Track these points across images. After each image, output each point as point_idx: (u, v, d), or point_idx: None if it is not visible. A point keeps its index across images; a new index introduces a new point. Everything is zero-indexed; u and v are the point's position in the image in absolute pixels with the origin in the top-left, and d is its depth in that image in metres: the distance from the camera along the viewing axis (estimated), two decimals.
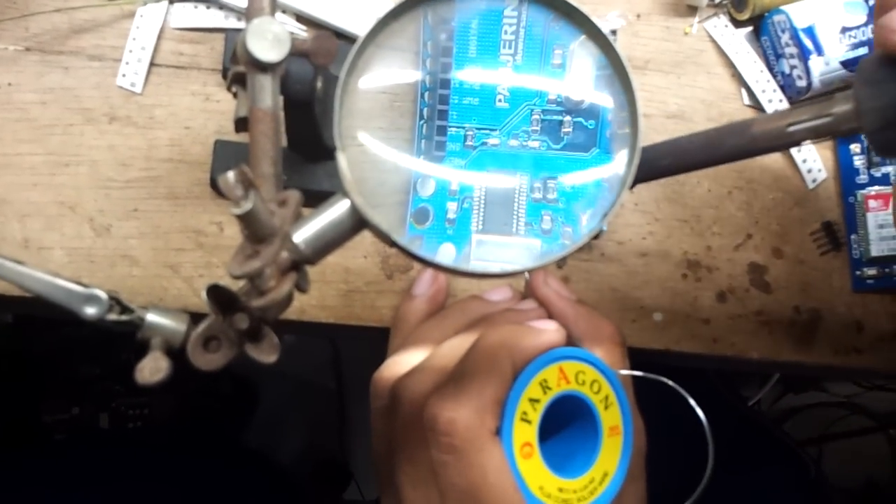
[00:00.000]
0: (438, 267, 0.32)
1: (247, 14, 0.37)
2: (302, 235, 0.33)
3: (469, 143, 0.49)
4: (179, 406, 1.06)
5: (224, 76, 0.51)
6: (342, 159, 0.32)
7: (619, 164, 0.45)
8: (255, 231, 0.32)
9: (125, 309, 0.36)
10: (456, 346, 0.40)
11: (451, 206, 0.49)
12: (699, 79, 0.55)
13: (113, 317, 0.36)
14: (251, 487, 0.83)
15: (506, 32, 0.41)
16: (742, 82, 0.55)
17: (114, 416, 1.03)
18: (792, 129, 0.34)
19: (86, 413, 1.02)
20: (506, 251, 0.46)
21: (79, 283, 0.35)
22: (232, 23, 0.52)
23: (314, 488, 1.25)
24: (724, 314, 0.54)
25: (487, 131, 0.48)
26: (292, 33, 0.37)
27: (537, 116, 0.47)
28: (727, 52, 0.55)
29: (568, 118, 0.47)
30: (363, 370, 0.47)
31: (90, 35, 0.51)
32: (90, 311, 0.34)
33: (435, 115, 0.44)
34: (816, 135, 0.34)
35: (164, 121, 0.51)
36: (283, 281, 0.33)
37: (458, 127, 0.47)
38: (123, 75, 0.51)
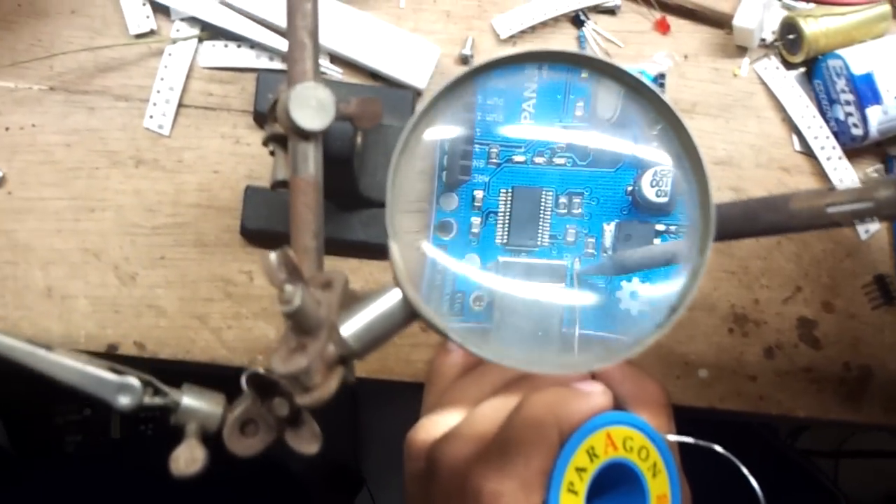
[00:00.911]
0: (495, 361, 0.30)
1: (289, 79, 0.35)
2: (350, 328, 0.31)
3: (493, 160, 0.47)
4: None
5: (255, 119, 0.49)
6: (394, 248, 0.30)
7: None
8: (300, 323, 0.30)
9: (159, 391, 0.34)
10: (496, 409, 0.38)
11: (475, 221, 0.47)
12: (748, 123, 0.53)
13: (147, 401, 0.34)
14: (262, 492, 0.82)
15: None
16: (793, 127, 0.53)
17: (126, 418, 1.01)
18: (832, 210, 0.32)
19: (98, 415, 1.01)
20: (532, 273, 0.45)
21: (112, 368, 0.33)
22: (263, 62, 0.50)
23: (326, 494, 1.24)
24: (771, 371, 0.52)
25: (513, 148, 0.46)
26: (337, 99, 0.35)
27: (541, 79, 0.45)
28: (778, 96, 0.53)
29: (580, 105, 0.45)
30: None
31: (117, 74, 0.49)
32: (123, 400, 0.32)
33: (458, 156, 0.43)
34: (856, 218, 0.32)
35: (192, 164, 0.49)
36: (330, 377, 0.31)
37: (482, 144, 0.45)
38: (151, 116, 0.49)
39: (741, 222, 0.39)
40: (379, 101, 0.37)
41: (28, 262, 0.48)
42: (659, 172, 0.45)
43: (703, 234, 0.31)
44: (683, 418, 0.39)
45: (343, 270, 0.33)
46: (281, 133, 0.38)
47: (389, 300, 0.31)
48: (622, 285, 0.47)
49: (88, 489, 0.76)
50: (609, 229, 0.47)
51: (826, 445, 1.23)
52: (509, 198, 0.46)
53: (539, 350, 0.31)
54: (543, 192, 0.47)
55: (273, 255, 0.32)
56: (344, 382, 0.32)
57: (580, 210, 0.47)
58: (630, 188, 0.46)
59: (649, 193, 0.45)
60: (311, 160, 0.35)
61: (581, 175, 0.46)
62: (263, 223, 0.48)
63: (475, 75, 0.31)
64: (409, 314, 0.31)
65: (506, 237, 0.46)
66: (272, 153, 0.40)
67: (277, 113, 0.36)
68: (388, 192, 0.30)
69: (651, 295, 0.37)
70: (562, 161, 0.47)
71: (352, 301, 0.34)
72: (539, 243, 0.47)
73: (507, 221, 0.46)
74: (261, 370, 0.32)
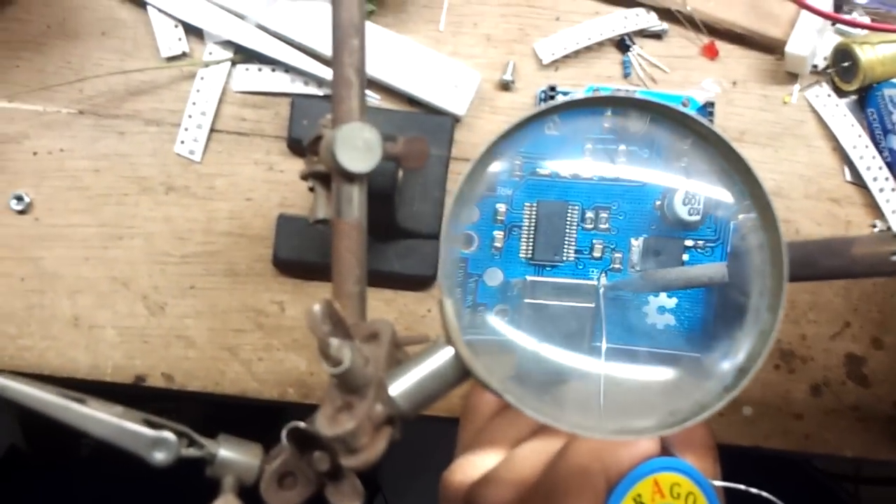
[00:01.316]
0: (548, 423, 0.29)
1: (334, 118, 0.33)
2: (399, 388, 0.29)
3: (517, 172, 0.45)
4: (207, 412, 1.04)
5: (289, 145, 0.48)
6: (448, 306, 0.29)
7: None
8: (347, 382, 0.29)
9: (194, 442, 0.33)
10: (536, 452, 0.37)
11: (498, 235, 0.46)
12: (798, 152, 0.51)
13: (183, 453, 0.32)
14: None
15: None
16: (844, 157, 0.51)
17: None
18: None
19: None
20: (561, 296, 0.43)
21: (146, 421, 0.32)
22: (298, 87, 0.48)
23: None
24: (817, 409, 0.50)
25: (536, 160, 0.45)
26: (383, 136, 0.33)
27: (590, 146, 0.44)
28: (829, 124, 0.51)
29: (623, 147, 0.43)
30: None
31: (147, 98, 0.48)
32: (159, 456, 0.31)
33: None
34: None
35: (224, 191, 0.48)
36: (378, 438, 0.29)
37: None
38: (182, 142, 0.48)
39: (799, 267, 0.37)
40: (425, 141, 0.35)
41: (55, 291, 0.47)
42: (692, 190, 0.43)
43: (774, 291, 0.29)
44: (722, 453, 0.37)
45: (388, 320, 0.32)
46: (323, 171, 0.36)
47: (441, 358, 0.29)
48: (649, 300, 0.46)
49: (102, 492, 0.75)
50: (637, 244, 0.46)
51: (845, 468, 1.20)
52: (534, 212, 0.45)
53: (600, 415, 0.29)
54: (569, 207, 0.46)
55: (317, 307, 0.30)
56: (392, 441, 0.31)
57: (607, 225, 0.46)
58: (658, 203, 0.45)
59: (682, 211, 0.44)
60: (355, 203, 0.34)
61: (608, 189, 0.45)
62: (296, 253, 0.47)
63: (535, 119, 0.29)
64: (461, 373, 0.29)
65: (530, 252, 0.45)
66: (311, 189, 0.39)
67: (321, 152, 0.35)
68: (443, 247, 0.28)
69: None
70: (588, 174, 0.45)
71: (398, 353, 0.33)
72: (565, 258, 0.46)
73: (531, 236, 0.45)
74: (301, 424, 0.31)
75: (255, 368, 0.48)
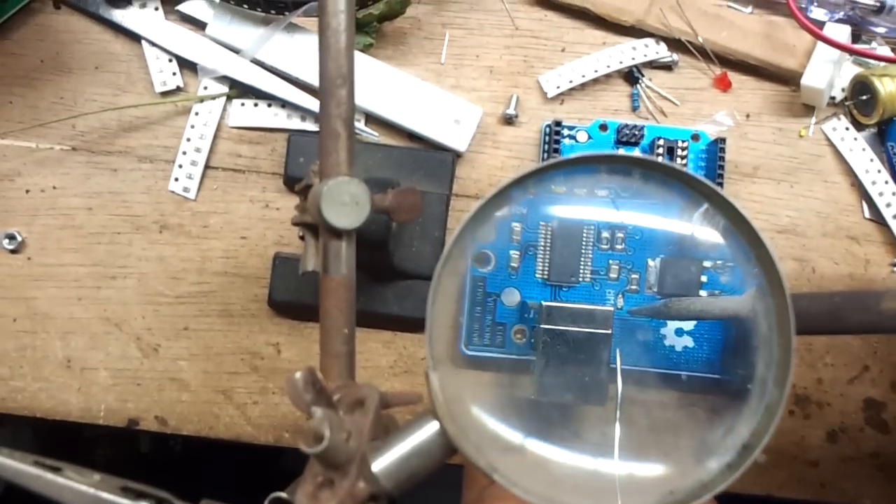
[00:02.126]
0: None
1: (321, 171, 0.32)
2: (382, 464, 0.28)
3: (531, 189, 0.44)
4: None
5: (285, 182, 0.47)
6: (434, 379, 0.27)
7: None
8: (327, 458, 0.27)
9: None
10: None
11: (514, 255, 0.44)
12: (815, 188, 0.49)
13: None
14: None
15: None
16: (863, 193, 0.49)
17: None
18: None
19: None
20: (576, 325, 0.42)
21: (125, 488, 0.30)
22: (295, 123, 0.47)
23: None
24: (834, 456, 0.48)
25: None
26: (372, 190, 0.32)
27: (600, 175, 0.42)
28: (847, 159, 0.49)
29: (634, 177, 0.42)
30: None
31: (141, 134, 0.47)
32: None
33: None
34: None
35: (219, 230, 0.47)
36: None
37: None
38: (176, 179, 0.46)
39: (825, 319, 0.35)
40: (417, 193, 0.34)
41: (47, 332, 0.46)
42: (710, 211, 0.42)
43: (781, 364, 0.27)
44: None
45: (375, 385, 0.30)
46: (311, 222, 0.35)
47: (426, 432, 0.28)
48: (667, 322, 0.45)
49: None
50: (654, 265, 0.44)
51: None
52: (549, 232, 0.44)
53: (595, 494, 0.27)
54: (585, 227, 0.44)
55: (298, 375, 0.29)
56: None
57: (623, 245, 0.45)
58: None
59: (699, 234, 0.42)
60: (343, 259, 0.32)
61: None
62: (292, 295, 0.45)
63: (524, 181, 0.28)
64: (447, 450, 0.28)
65: (546, 272, 0.44)
66: (302, 237, 0.38)
67: (308, 205, 0.33)
68: (428, 317, 0.27)
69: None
70: (604, 193, 0.44)
71: (385, 419, 0.31)
72: (581, 279, 0.44)
73: (547, 256, 0.44)
74: (284, 495, 0.29)
75: (250, 412, 0.46)
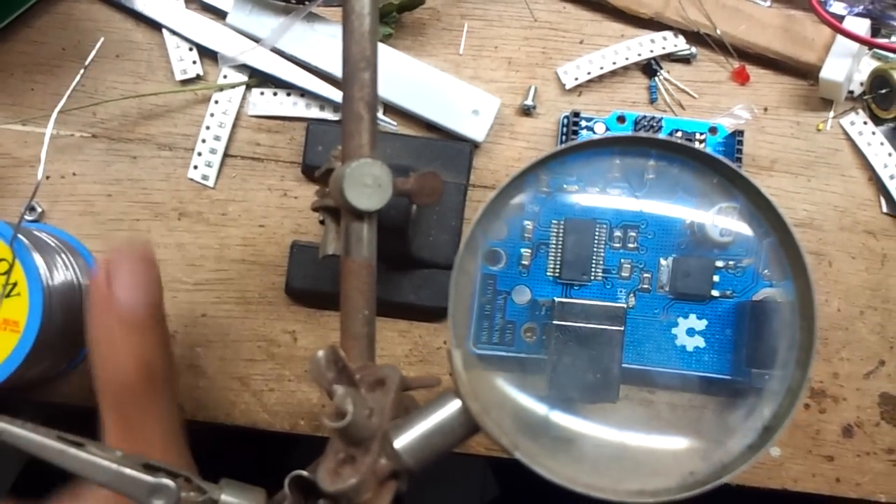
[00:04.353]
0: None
1: (343, 154, 0.32)
2: (404, 440, 0.28)
3: (543, 188, 0.44)
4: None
5: (304, 171, 0.47)
6: (457, 357, 0.27)
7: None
8: (349, 434, 0.28)
9: (197, 488, 0.32)
10: None
11: (526, 253, 0.44)
12: (832, 182, 0.49)
13: (183, 497, 0.31)
14: None
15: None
16: (881, 188, 0.49)
17: None
18: None
19: None
20: (589, 321, 0.42)
21: (146, 465, 0.31)
22: (314, 112, 0.47)
23: None
24: (849, 451, 0.48)
25: (564, 176, 0.43)
26: (394, 175, 0.32)
27: (618, 161, 0.42)
28: (865, 153, 0.49)
29: (652, 163, 0.42)
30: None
31: (161, 121, 0.47)
32: (157, 503, 0.30)
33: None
34: None
35: (237, 218, 0.47)
36: (381, 493, 0.28)
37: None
38: (195, 167, 0.47)
39: None
40: (438, 176, 0.34)
41: None
42: (724, 211, 0.42)
43: (804, 345, 0.27)
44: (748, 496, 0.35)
45: (397, 366, 0.30)
46: (333, 205, 0.35)
47: (448, 410, 0.28)
48: (678, 321, 0.45)
49: None
50: (666, 264, 0.44)
51: None
52: (561, 229, 0.44)
53: (616, 474, 0.27)
54: (597, 225, 0.44)
55: (321, 353, 0.29)
56: (397, 494, 0.29)
57: (635, 244, 0.45)
58: (689, 222, 0.43)
59: (713, 233, 0.42)
60: (364, 242, 0.32)
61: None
62: (310, 283, 0.45)
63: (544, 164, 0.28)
64: (469, 428, 0.28)
65: (558, 270, 0.44)
66: (322, 222, 0.38)
67: (330, 188, 0.33)
68: (451, 297, 0.27)
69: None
70: (616, 191, 0.44)
71: (406, 399, 0.31)
72: (592, 277, 0.45)
73: (558, 254, 0.44)
74: (305, 473, 0.29)
75: (266, 399, 0.46)
